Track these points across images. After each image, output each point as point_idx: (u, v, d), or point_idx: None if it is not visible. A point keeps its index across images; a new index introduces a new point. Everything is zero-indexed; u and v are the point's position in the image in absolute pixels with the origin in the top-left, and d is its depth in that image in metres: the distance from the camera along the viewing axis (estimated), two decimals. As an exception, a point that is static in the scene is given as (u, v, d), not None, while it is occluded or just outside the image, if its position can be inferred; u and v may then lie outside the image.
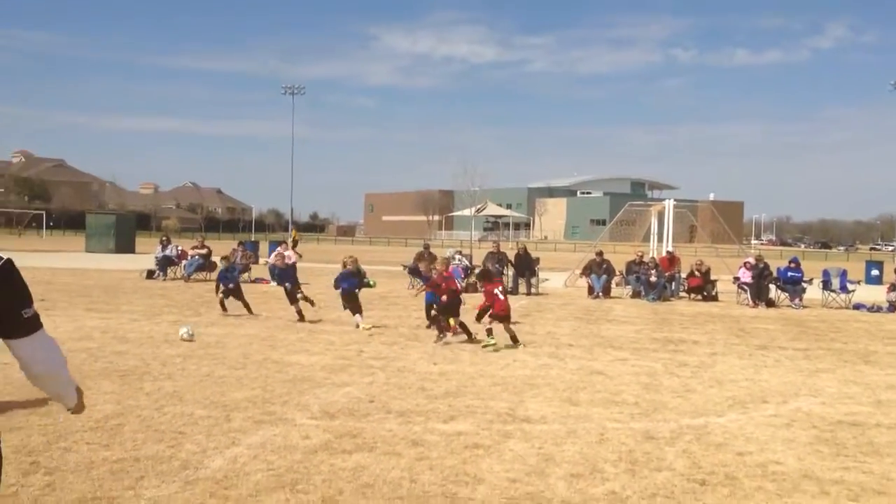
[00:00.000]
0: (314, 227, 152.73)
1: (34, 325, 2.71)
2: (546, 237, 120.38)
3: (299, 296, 14.65)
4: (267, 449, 6.34)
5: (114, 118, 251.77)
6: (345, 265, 14.12)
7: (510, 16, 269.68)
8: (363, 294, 14.66)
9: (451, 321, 12.48)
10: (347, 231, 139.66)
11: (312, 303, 14.90)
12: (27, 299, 2.69)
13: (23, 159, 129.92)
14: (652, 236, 26.88)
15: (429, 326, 13.77)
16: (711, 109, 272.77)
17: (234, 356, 10.64)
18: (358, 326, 13.63)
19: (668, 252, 24.14)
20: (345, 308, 14.17)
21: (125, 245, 41.84)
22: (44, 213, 66.72)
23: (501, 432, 7.07)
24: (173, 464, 5.87)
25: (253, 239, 48.35)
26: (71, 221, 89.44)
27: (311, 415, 7.53)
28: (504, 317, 12.18)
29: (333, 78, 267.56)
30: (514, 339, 12.16)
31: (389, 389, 8.80)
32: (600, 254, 22.84)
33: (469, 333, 12.54)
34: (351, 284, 14.03)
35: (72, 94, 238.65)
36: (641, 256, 23.59)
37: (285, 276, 15.43)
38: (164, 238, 24.89)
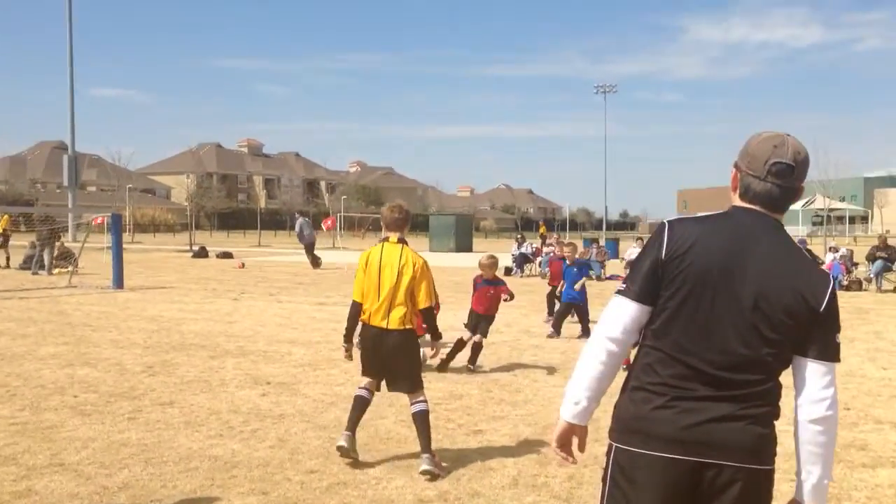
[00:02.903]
0: (625, 224, 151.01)
1: (839, 354, 2.43)
2: (888, 231, 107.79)
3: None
4: None
5: (434, 127, 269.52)
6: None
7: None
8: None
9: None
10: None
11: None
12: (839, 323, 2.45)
13: (358, 169, 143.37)
14: None
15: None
16: None
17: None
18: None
19: None
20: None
21: (464, 244, 44.10)
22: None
23: None
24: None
25: (589, 237, 48.65)
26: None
27: None
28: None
29: (641, 75, 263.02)
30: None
31: None
32: None
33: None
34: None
35: (398, 108, 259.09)
36: None
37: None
38: (518, 237, 25.68)
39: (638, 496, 2.37)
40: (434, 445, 6.07)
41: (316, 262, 26.44)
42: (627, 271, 2.58)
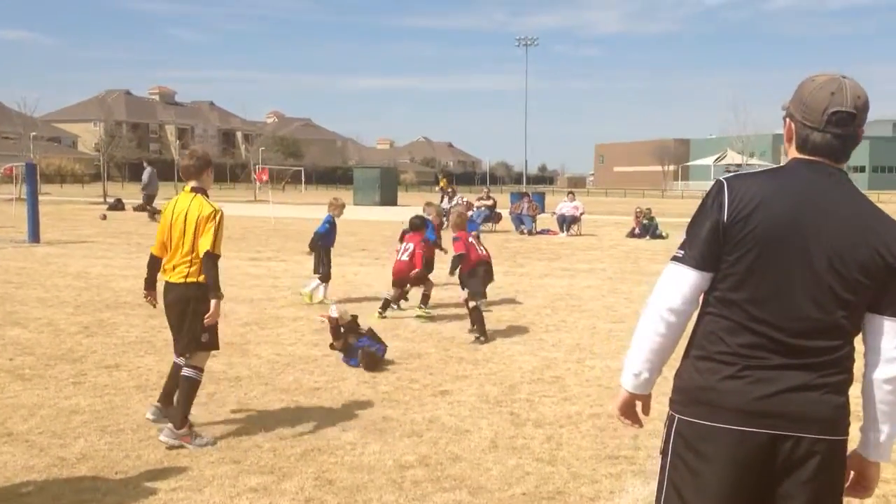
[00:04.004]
0: (543, 179, 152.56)
1: None
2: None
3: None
4: None
5: (354, 79, 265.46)
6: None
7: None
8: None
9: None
10: (577, 183, 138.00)
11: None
12: None
13: (276, 119, 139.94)
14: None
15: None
16: None
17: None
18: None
19: None
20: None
21: (389, 198, 43.62)
22: (302, 169, 71.45)
23: None
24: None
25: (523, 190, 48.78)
26: (320, 177, 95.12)
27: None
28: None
29: (560, 29, 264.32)
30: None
31: None
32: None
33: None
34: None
35: (317, 58, 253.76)
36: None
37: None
38: (449, 190, 25.49)
39: (707, 470, 2.24)
40: (402, 408, 5.93)
41: (154, 214, 24.82)
42: (684, 236, 2.39)
